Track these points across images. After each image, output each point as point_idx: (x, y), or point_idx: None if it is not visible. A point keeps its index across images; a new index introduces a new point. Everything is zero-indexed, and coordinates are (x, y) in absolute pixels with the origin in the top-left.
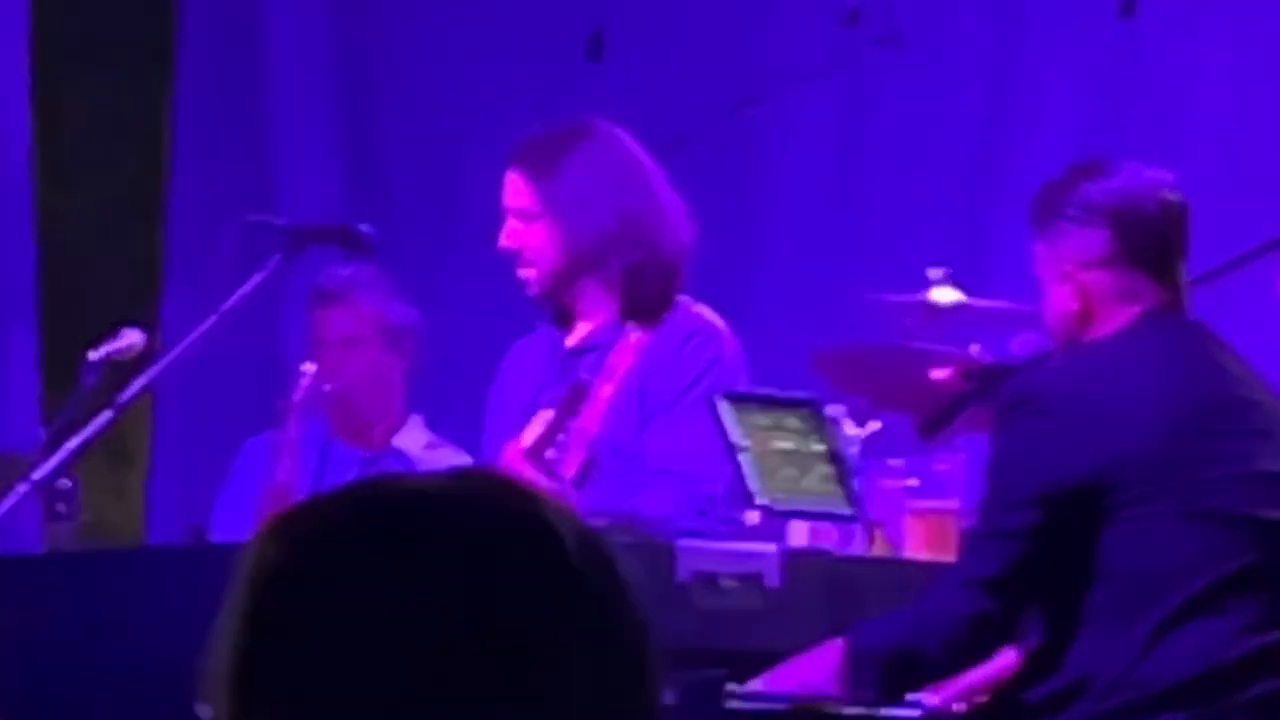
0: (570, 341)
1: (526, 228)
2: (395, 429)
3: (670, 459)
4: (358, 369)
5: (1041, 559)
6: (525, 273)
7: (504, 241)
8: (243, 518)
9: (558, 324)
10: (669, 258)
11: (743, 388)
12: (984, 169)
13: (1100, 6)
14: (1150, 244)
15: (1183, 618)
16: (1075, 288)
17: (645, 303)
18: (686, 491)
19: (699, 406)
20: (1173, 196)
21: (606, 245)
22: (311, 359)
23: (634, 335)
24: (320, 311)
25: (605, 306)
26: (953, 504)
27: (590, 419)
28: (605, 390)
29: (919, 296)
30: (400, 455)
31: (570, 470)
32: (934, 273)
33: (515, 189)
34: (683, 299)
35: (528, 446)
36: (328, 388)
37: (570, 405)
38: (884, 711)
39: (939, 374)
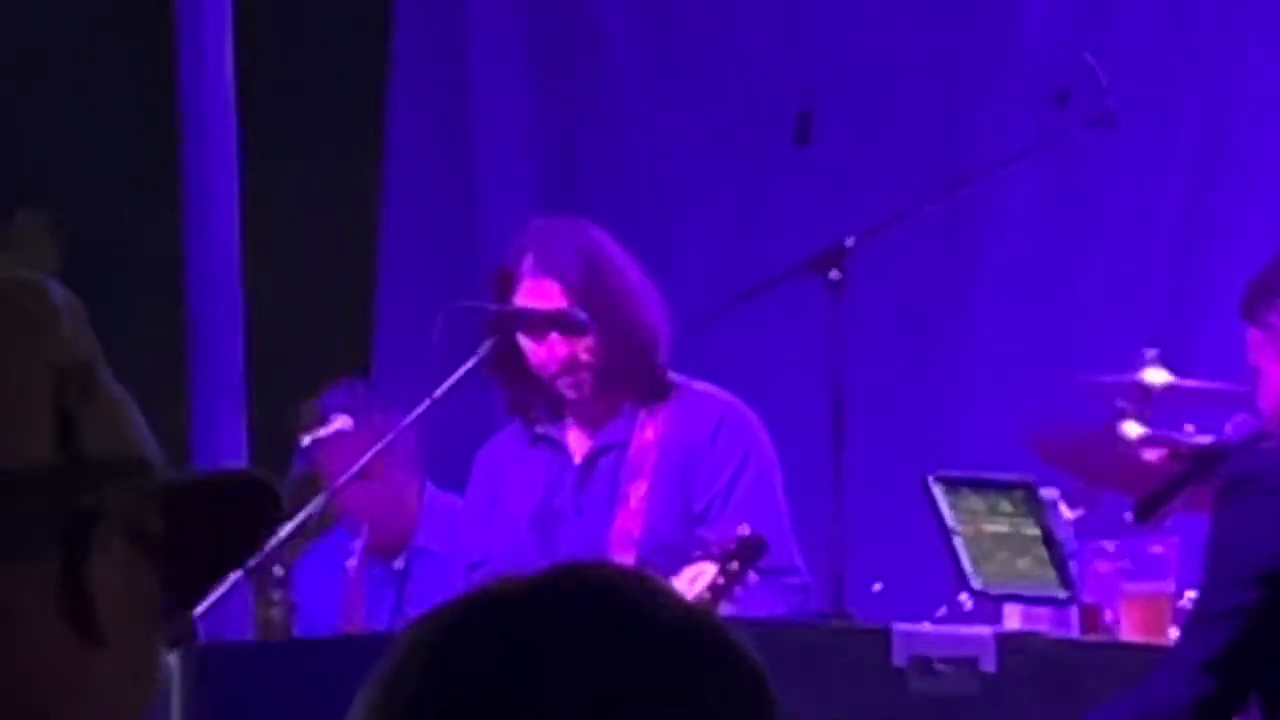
0: (579, 449)
1: (568, 336)
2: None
3: None
4: (377, 503)
5: (1262, 640)
6: (577, 378)
7: (551, 355)
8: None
9: (565, 435)
10: (656, 343)
11: (956, 472)
12: (1192, 249)
13: None
14: None
15: None
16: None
17: (643, 390)
18: (784, 586)
19: (753, 495)
20: None
21: (616, 339)
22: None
23: (649, 429)
24: (324, 445)
25: (609, 401)
26: (1167, 586)
27: (630, 520)
28: (639, 489)
29: (1131, 377)
30: (427, 553)
31: None
32: (1149, 353)
33: (546, 293)
34: (682, 379)
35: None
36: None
37: (748, 556)
38: None
39: (1152, 455)
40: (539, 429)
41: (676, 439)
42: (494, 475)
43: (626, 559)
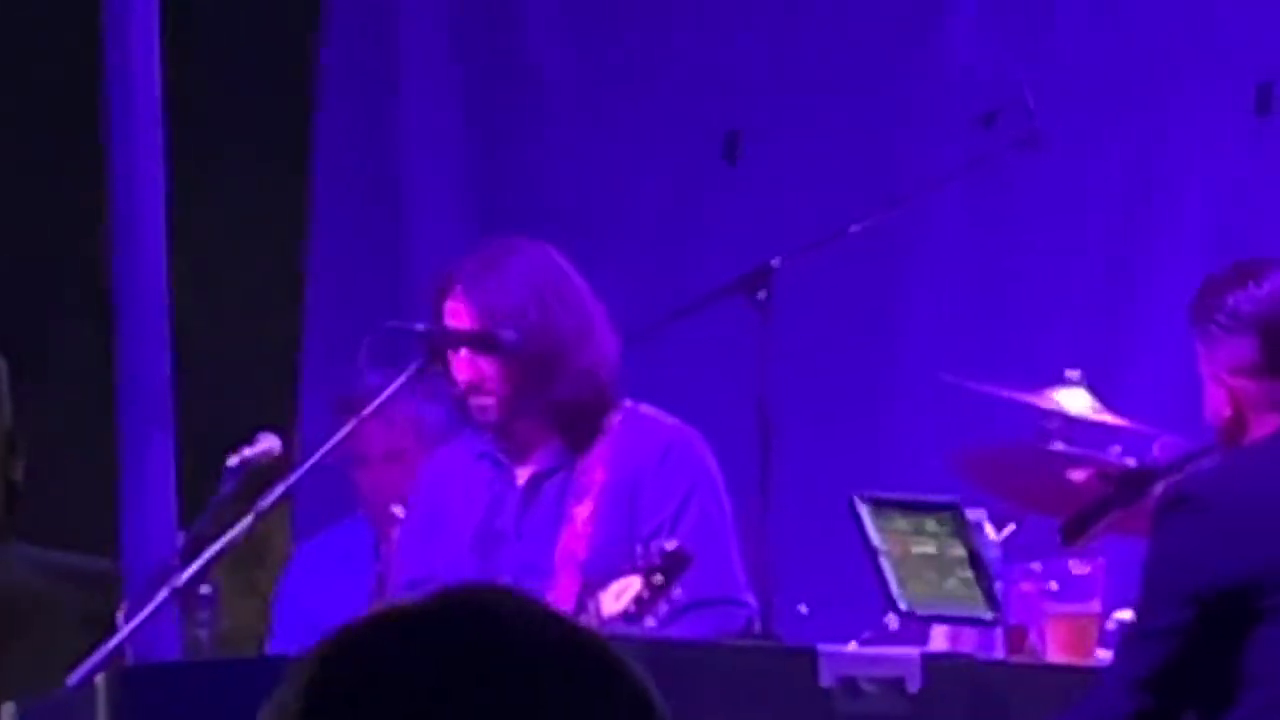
0: (524, 470)
1: (483, 358)
2: None
3: (699, 588)
4: (401, 483)
5: (1196, 659)
6: (482, 402)
7: (459, 375)
8: (302, 622)
9: (511, 449)
10: (601, 370)
11: (882, 493)
12: (1122, 270)
13: (1237, 105)
14: None
15: None
16: (1227, 393)
17: (585, 417)
18: (728, 618)
19: (700, 525)
20: None
21: (555, 362)
22: (352, 471)
23: (596, 452)
24: (355, 424)
25: (547, 426)
26: (1093, 608)
27: (575, 543)
28: (583, 512)
29: (1056, 398)
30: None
31: (568, 598)
32: (1071, 374)
33: (460, 315)
34: (628, 403)
35: (617, 614)
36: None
37: (674, 569)
38: None
39: (1078, 476)
40: (484, 447)
41: (623, 463)
42: (437, 489)
43: (570, 583)
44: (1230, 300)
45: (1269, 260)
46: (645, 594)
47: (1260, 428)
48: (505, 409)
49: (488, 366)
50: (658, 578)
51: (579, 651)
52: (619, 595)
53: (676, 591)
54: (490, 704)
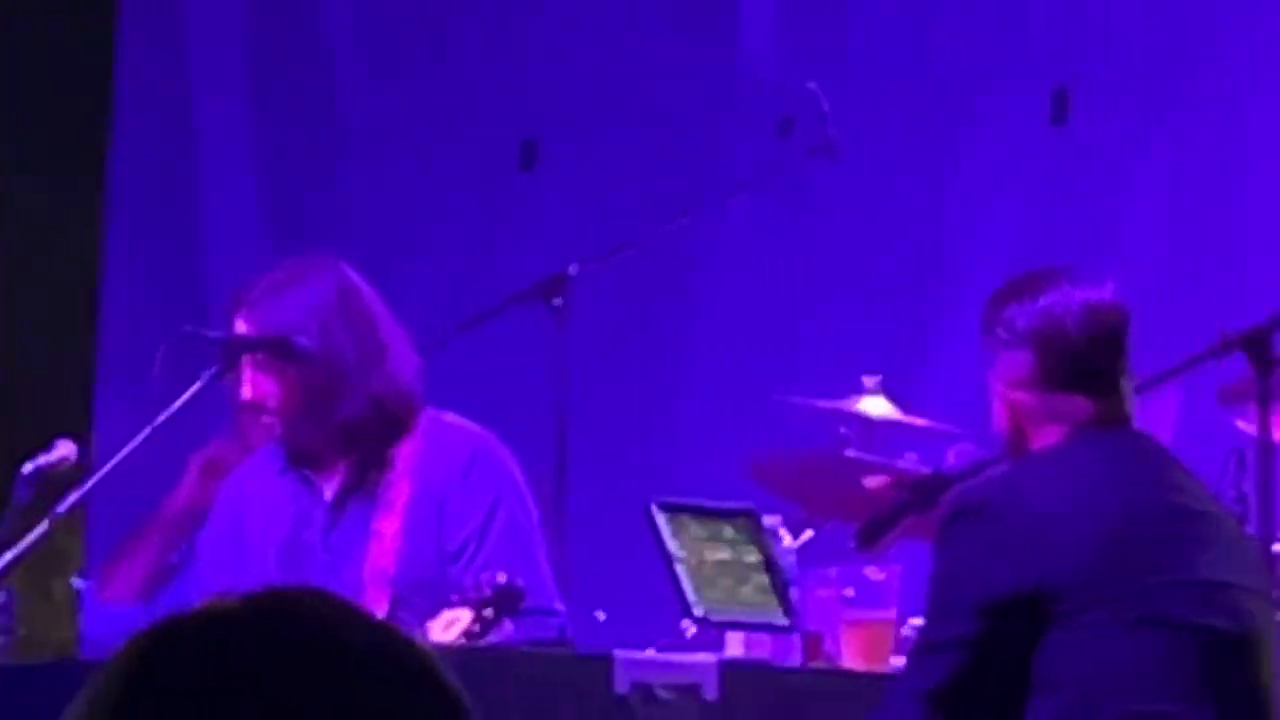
0: (329, 485)
1: (264, 376)
2: None
3: None
4: None
5: (987, 668)
6: (265, 421)
7: (244, 394)
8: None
9: (305, 467)
10: (392, 393)
11: (678, 499)
12: (921, 278)
13: (1034, 114)
14: (1070, 367)
15: None
16: (1007, 406)
17: (373, 439)
18: (541, 627)
19: (509, 535)
20: (1103, 314)
21: (340, 384)
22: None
23: (400, 464)
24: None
25: (338, 445)
26: (888, 614)
27: (384, 558)
28: (390, 525)
29: (854, 405)
30: None
31: (377, 613)
32: (869, 381)
33: (247, 341)
34: (430, 411)
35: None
36: None
37: (504, 604)
38: None
39: (874, 483)
40: (287, 461)
41: (428, 474)
42: (241, 502)
43: (380, 597)
44: (1007, 314)
45: (1050, 273)
46: (475, 627)
47: (1040, 439)
48: (289, 428)
49: (269, 385)
50: (488, 611)
51: (390, 651)
52: (448, 626)
53: (507, 626)
54: (302, 702)
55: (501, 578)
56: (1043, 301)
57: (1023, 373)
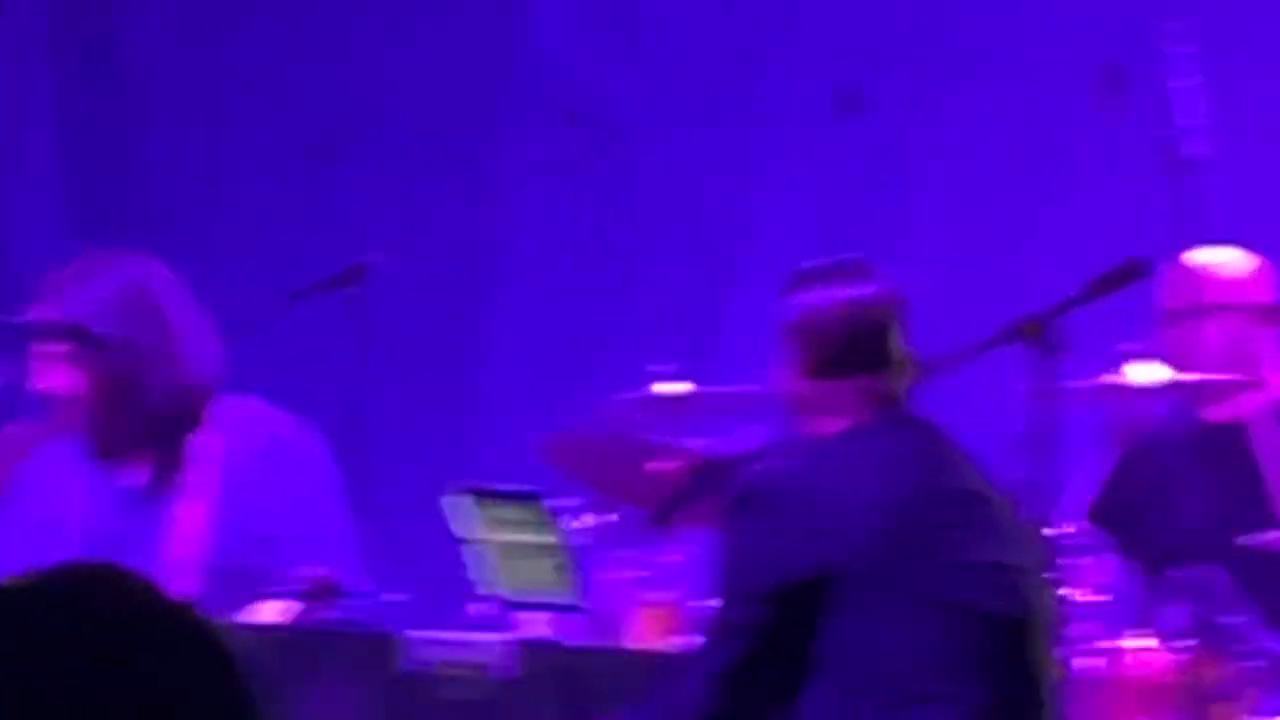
0: (132, 474)
1: (61, 364)
2: None
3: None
4: None
5: (776, 650)
6: (63, 411)
7: (36, 384)
8: None
9: (108, 456)
10: (193, 385)
11: (474, 483)
12: (713, 265)
13: (817, 106)
14: (833, 357)
15: (905, 703)
16: (788, 396)
17: (173, 429)
18: (348, 607)
19: (319, 518)
20: (865, 308)
21: (139, 374)
22: None
23: (206, 450)
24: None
25: (139, 435)
26: (678, 594)
27: (191, 545)
28: (197, 511)
29: (646, 392)
30: None
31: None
32: (662, 368)
33: (44, 326)
34: (233, 398)
35: None
36: None
37: (325, 596)
38: None
39: (664, 466)
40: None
41: (232, 461)
42: (42, 488)
43: (188, 584)
44: (779, 309)
45: (821, 270)
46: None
47: (821, 426)
48: (90, 418)
49: (67, 374)
50: (307, 603)
51: (178, 628)
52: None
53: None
54: (90, 667)
55: (320, 570)
56: (806, 296)
57: (796, 364)
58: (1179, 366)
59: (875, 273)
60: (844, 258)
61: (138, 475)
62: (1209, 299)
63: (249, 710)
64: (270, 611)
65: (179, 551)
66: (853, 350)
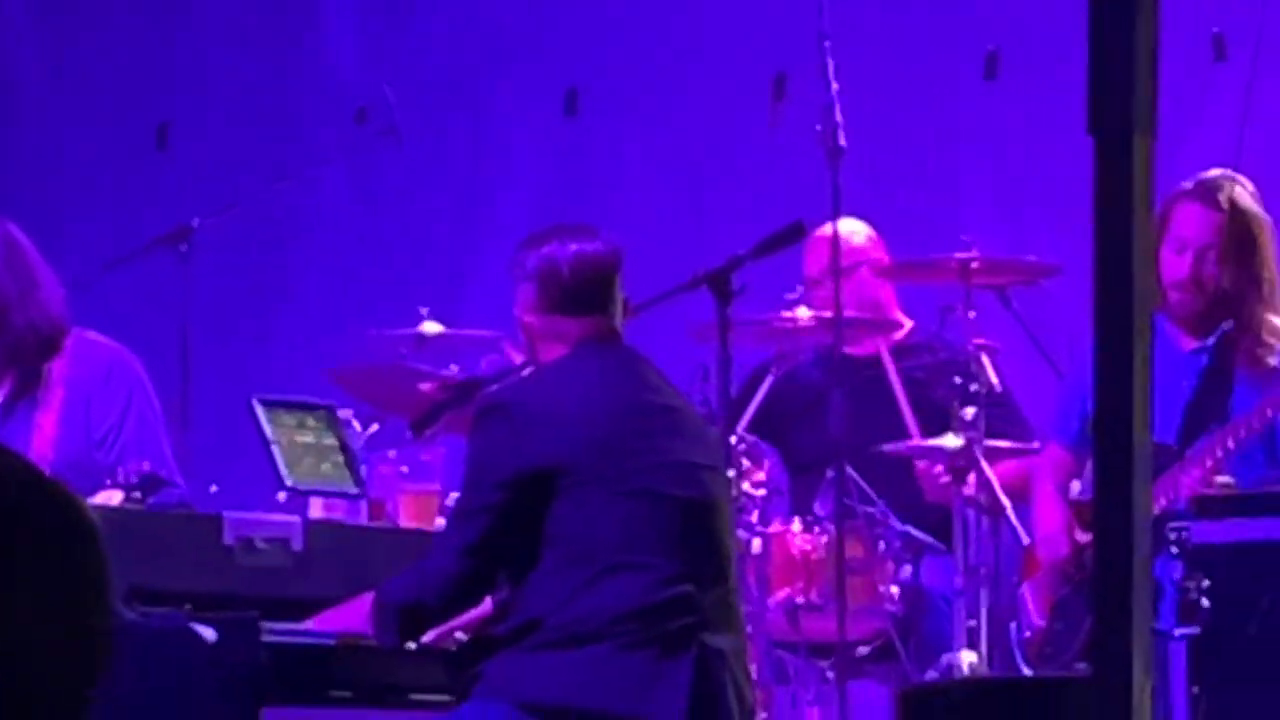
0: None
1: None
2: None
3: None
4: None
5: (510, 529)
6: None
7: None
8: None
9: None
10: (44, 321)
11: (273, 395)
12: (465, 230)
13: (549, 105)
14: (568, 296)
15: (613, 571)
16: (523, 327)
17: (32, 357)
18: (168, 495)
19: (140, 426)
20: (592, 259)
21: (4, 314)
22: None
23: (55, 372)
24: None
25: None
26: (435, 486)
27: (43, 446)
28: (48, 420)
29: (412, 329)
30: None
31: None
32: (424, 311)
33: None
34: (78, 331)
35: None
36: None
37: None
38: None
39: (426, 387)
40: None
41: (77, 380)
42: None
43: None
44: (520, 257)
45: (557, 228)
46: (126, 506)
47: (547, 353)
48: None
49: None
50: (135, 494)
51: (49, 492)
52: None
53: (151, 501)
54: (11, 527)
55: (146, 466)
56: (545, 249)
57: (530, 301)
58: (825, 310)
59: (599, 233)
60: (574, 222)
61: (3, 393)
62: (846, 260)
63: (106, 568)
64: (109, 498)
65: (36, 452)
66: (580, 293)
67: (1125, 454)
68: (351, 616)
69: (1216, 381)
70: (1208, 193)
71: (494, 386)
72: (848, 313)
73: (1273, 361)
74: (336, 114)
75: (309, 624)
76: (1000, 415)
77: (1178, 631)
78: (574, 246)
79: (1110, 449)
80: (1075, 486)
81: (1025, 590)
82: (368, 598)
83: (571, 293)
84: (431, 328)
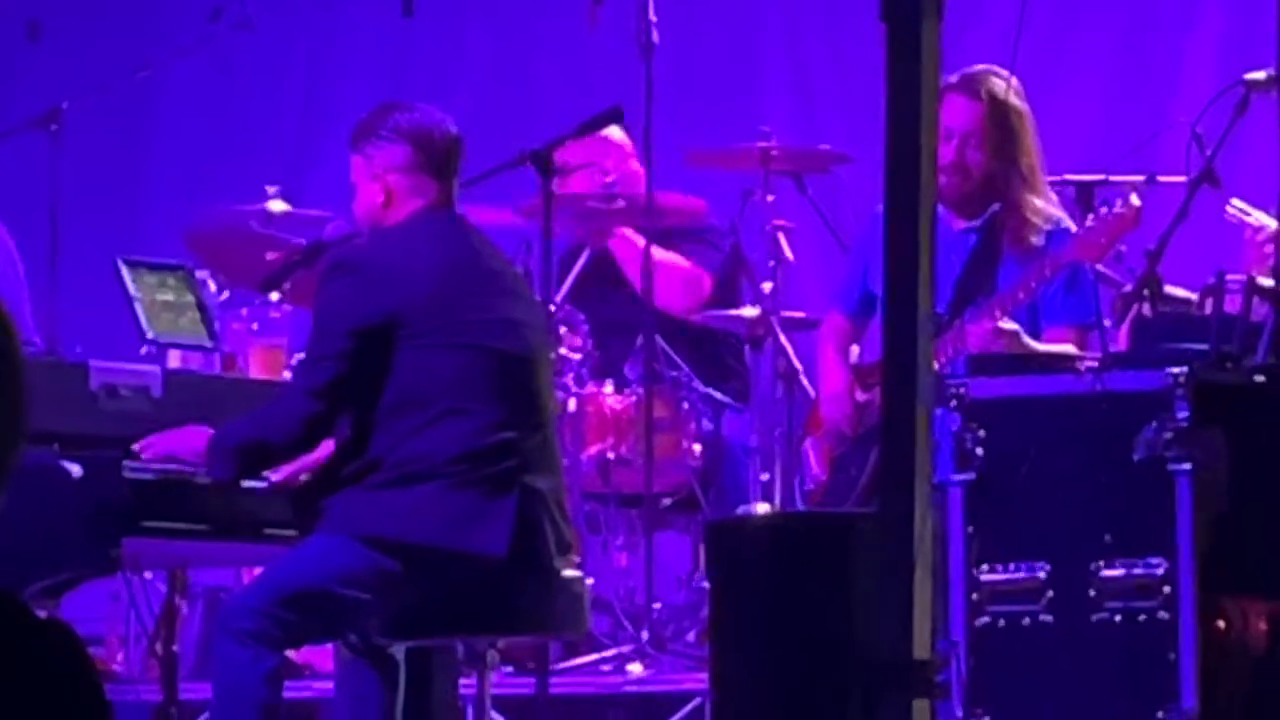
0: None
1: None
2: None
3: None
4: None
5: (353, 376)
6: None
7: None
8: None
9: None
10: None
11: (137, 257)
12: (310, 118)
13: (390, 6)
14: (434, 159)
15: (444, 417)
16: (382, 186)
17: None
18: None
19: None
20: (452, 130)
21: None
22: None
23: None
24: None
25: None
26: (282, 341)
27: None
28: None
29: (260, 205)
30: None
31: None
32: (271, 189)
33: None
34: None
35: None
36: None
37: None
38: (243, 483)
39: (272, 254)
40: None
41: None
42: None
43: None
44: (392, 119)
45: (406, 105)
46: None
47: (402, 210)
48: None
49: None
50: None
51: None
52: None
53: None
54: None
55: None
56: (418, 114)
57: (400, 160)
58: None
59: (442, 113)
60: (420, 103)
61: None
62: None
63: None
64: None
65: None
66: (442, 159)
67: (911, 321)
68: (176, 442)
69: (984, 258)
70: (969, 85)
71: (341, 247)
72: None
73: (1036, 240)
74: (194, 11)
75: (135, 447)
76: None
77: (955, 477)
78: (438, 117)
79: (898, 317)
80: (855, 351)
81: (808, 446)
82: (196, 428)
83: (436, 157)
84: (278, 206)
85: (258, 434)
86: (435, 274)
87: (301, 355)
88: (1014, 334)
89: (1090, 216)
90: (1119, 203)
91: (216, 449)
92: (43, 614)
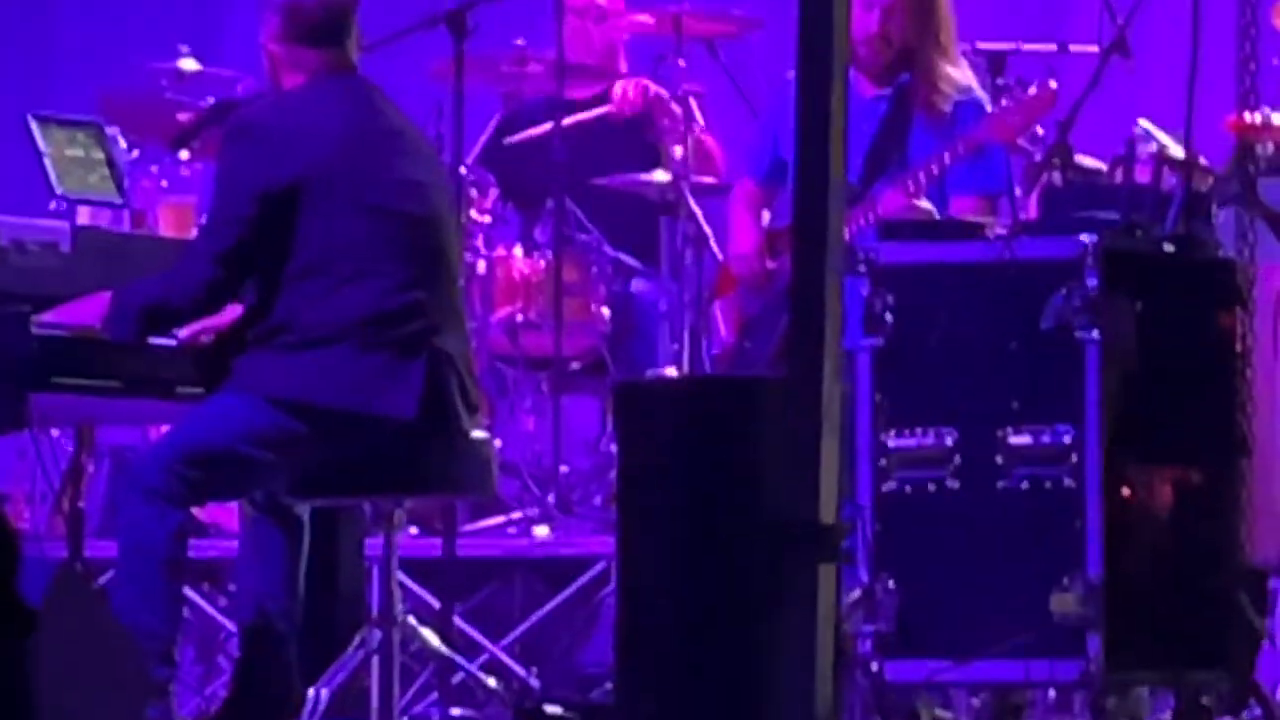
0: None
1: None
2: None
3: None
4: None
5: (258, 240)
6: None
7: None
8: None
9: None
10: None
11: (47, 112)
12: None
13: None
14: (305, 29)
15: (351, 280)
16: (267, 56)
17: None
18: None
19: None
20: None
21: None
22: None
23: None
24: None
25: None
26: (191, 199)
27: None
28: None
29: (171, 64)
30: None
31: None
32: (183, 49)
33: None
34: None
35: None
36: None
37: None
38: (150, 341)
39: (184, 116)
40: None
41: None
42: None
43: None
44: None
45: None
46: None
47: (288, 79)
48: None
49: None
50: None
51: None
52: None
53: None
54: None
55: None
56: None
57: (275, 31)
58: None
59: None
60: None
61: None
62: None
63: None
64: None
65: None
66: (321, 26)
67: (822, 187)
68: (85, 311)
69: (896, 126)
70: None
71: (243, 109)
72: (575, 58)
73: (946, 108)
74: None
75: (51, 315)
76: None
77: (864, 342)
78: None
79: (808, 183)
80: (765, 216)
81: (716, 308)
82: (104, 295)
83: (313, 25)
84: (189, 65)
85: (160, 297)
86: (337, 137)
87: (205, 218)
88: (928, 214)
89: (1006, 96)
90: (1036, 84)
91: (117, 310)
92: None
